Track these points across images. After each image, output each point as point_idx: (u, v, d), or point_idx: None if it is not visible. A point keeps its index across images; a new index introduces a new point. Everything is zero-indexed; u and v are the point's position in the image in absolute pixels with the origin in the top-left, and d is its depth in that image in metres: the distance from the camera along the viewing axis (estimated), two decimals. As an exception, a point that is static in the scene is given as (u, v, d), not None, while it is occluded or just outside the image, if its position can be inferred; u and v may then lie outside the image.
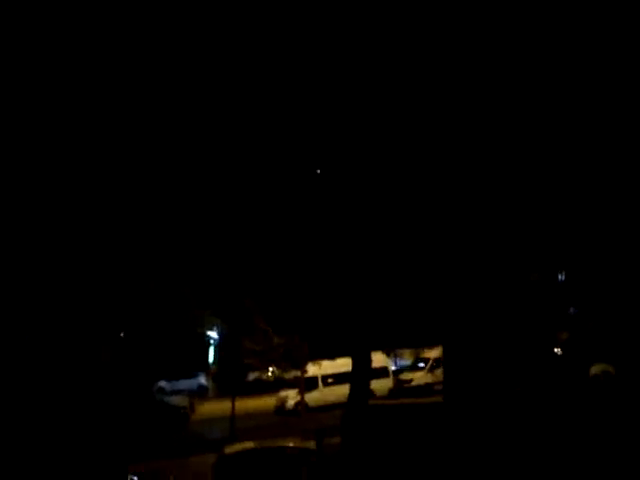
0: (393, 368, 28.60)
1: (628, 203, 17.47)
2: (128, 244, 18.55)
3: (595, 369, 23.80)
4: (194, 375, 32.10)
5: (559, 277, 24.05)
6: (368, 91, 14.21)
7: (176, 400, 26.89)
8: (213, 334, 33.22)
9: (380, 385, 24.85)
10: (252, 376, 30.20)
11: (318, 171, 17.30)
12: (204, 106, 15.94)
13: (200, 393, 30.99)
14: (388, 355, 28.24)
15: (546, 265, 21.70)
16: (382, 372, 25.66)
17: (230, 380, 24.42)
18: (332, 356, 25.35)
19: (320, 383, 26.36)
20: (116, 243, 18.32)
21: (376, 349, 22.03)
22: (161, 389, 30.25)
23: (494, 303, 11.67)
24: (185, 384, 31.25)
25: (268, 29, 14.10)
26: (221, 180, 17.56)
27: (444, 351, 12.31)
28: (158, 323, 22.20)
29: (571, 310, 21.88)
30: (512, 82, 14.08)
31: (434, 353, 25.57)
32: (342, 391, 20.63)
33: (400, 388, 26.62)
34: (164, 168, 17.11)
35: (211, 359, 35.18)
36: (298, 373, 25.54)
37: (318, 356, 25.23)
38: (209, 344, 34.41)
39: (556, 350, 24.81)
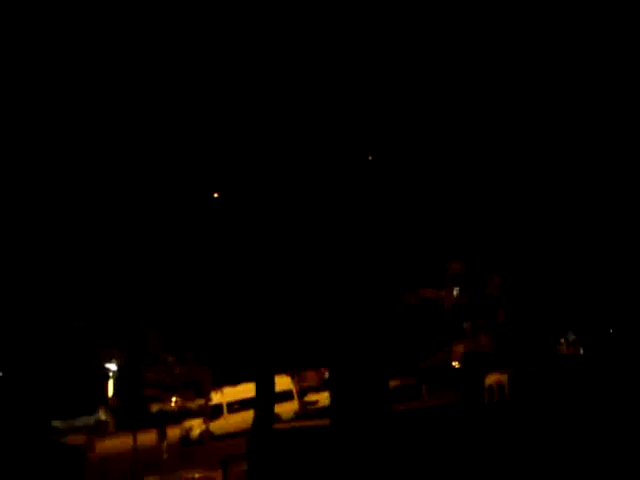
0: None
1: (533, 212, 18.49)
2: (8, 265, 17.40)
3: (489, 379, 25.04)
4: (92, 411, 30.63)
5: (454, 293, 25.16)
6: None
7: (73, 439, 25.47)
8: (111, 366, 31.86)
9: (286, 408, 24.85)
10: (155, 407, 29.23)
11: (215, 195, 17.23)
12: None
13: (99, 429, 29.56)
14: (292, 377, 28.34)
15: (442, 281, 22.67)
16: (287, 395, 25.68)
17: (131, 413, 23.54)
18: (236, 382, 25.10)
19: (225, 410, 25.97)
20: None
21: (279, 372, 22.06)
22: (55, 429, 28.54)
23: (380, 321, 12.06)
24: (82, 421, 29.72)
25: None
26: (122, 207, 17.04)
27: (330, 372, 12.54)
28: (49, 357, 20.94)
29: (465, 325, 23.00)
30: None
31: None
32: (248, 417, 20.43)
33: (306, 410, 26.73)
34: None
35: (110, 392, 33.69)
36: (202, 401, 25.05)
37: (222, 383, 24.89)
38: (107, 377, 32.93)
39: (453, 363, 25.90)
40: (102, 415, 31.21)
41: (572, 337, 29.29)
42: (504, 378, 25.01)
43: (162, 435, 23.26)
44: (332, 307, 11.91)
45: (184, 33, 13.86)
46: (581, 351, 29.16)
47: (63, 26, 13.73)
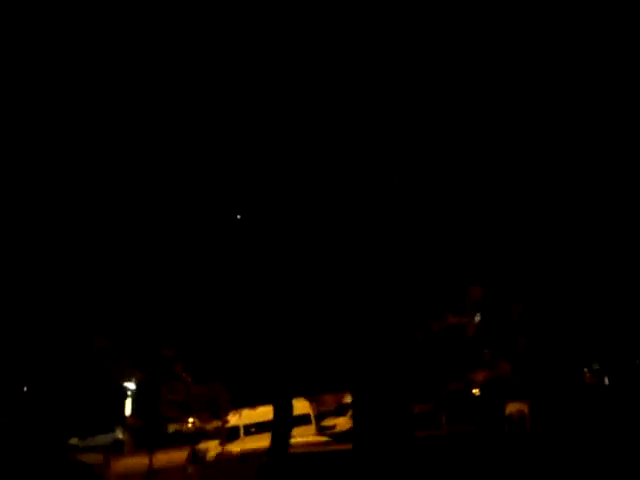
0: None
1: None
2: (30, 283, 17.56)
3: (510, 408, 24.55)
4: (109, 429, 30.66)
5: (475, 319, 24.81)
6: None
7: (89, 458, 25.48)
8: (130, 385, 31.94)
9: (302, 432, 24.62)
10: (172, 428, 29.17)
11: (238, 217, 17.31)
12: None
13: (116, 448, 29.57)
14: (310, 401, 28.11)
15: (463, 308, 22.41)
16: (304, 419, 25.46)
17: (148, 433, 23.51)
18: (253, 404, 24.97)
19: (242, 432, 25.82)
20: (15, 282, 17.32)
21: (297, 396, 21.90)
22: (73, 447, 28.60)
23: (404, 347, 11.94)
24: (100, 440, 29.74)
25: None
26: (136, 223, 17.18)
27: (353, 397, 12.41)
28: (68, 375, 21.05)
29: (486, 352, 22.63)
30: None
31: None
32: (265, 440, 20.28)
33: (323, 435, 26.45)
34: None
35: (128, 411, 33.72)
36: (219, 423, 24.94)
37: (239, 405, 24.78)
38: (126, 396, 33.01)
39: (473, 391, 25.46)
40: (119, 434, 31.23)
41: (596, 367, 28.68)
42: (525, 407, 24.54)
43: (193, 457, 23.11)
44: (355, 331, 11.84)
45: (198, 51, 14.05)
46: (606, 381, 28.52)
47: (64, 26, 13.90)
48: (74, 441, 28.98)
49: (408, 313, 12.95)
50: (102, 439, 29.99)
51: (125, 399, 33.18)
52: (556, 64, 14.19)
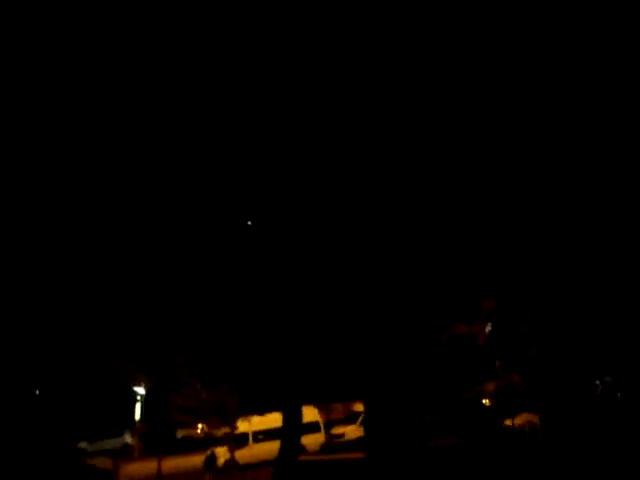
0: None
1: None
2: (44, 288, 17.67)
3: (519, 419, 24.39)
4: (119, 434, 30.73)
5: (486, 329, 24.73)
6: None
7: (98, 462, 25.54)
8: (139, 390, 32.01)
9: (312, 440, 24.56)
10: (181, 433, 29.16)
11: (249, 223, 17.39)
12: None
13: (125, 453, 29.59)
14: (319, 409, 28.04)
15: (475, 317, 22.34)
16: (313, 427, 25.40)
17: (158, 438, 23.52)
18: (262, 411, 24.94)
19: (251, 439, 25.79)
20: (28, 286, 17.44)
21: (307, 403, 21.87)
22: (82, 450, 28.68)
23: (415, 357, 11.93)
24: (109, 444, 29.82)
25: None
26: (149, 232, 17.29)
27: (365, 406, 12.41)
28: (79, 379, 21.18)
29: (496, 362, 22.54)
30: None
31: (366, 406, 25.59)
32: (273, 447, 20.24)
33: (332, 443, 26.36)
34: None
35: (137, 416, 33.78)
36: (228, 429, 24.91)
37: (248, 411, 24.76)
38: (135, 400, 33.06)
39: (484, 401, 25.33)
40: (128, 439, 31.27)
41: (608, 379, 28.40)
42: (535, 418, 24.36)
43: (209, 463, 22.97)
44: (367, 340, 11.84)
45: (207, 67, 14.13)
46: (618, 395, 28.22)
47: (64, 27, 13.96)
48: (83, 445, 29.08)
49: (419, 322, 12.95)
50: (111, 443, 30.05)
51: (135, 404, 33.25)
52: (556, 64, 14.14)
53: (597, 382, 28.32)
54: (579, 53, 14.11)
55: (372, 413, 11.44)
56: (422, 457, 10.93)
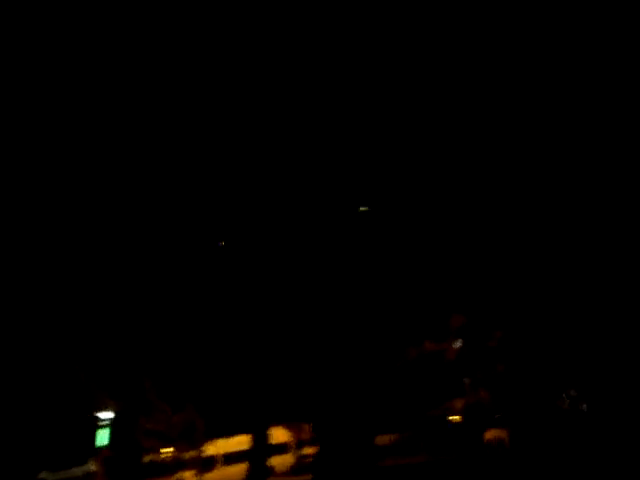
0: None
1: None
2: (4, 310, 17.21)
3: (489, 435, 24.48)
4: (82, 462, 29.74)
5: (455, 346, 24.86)
6: None
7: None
8: (105, 415, 31.14)
9: (280, 461, 24.24)
10: (147, 458, 28.44)
11: (222, 243, 17.28)
12: None
13: (88, 481, 28.67)
14: (289, 429, 27.73)
15: (444, 335, 22.44)
16: (282, 448, 25.09)
17: (123, 465, 22.91)
18: (231, 433, 24.59)
19: (219, 462, 25.36)
20: None
21: (276, 424, 21.63)
22: (42, 480, 27.73)
23: (373, 375, 11.90)
24: (72, 473, 28.84)
25: None
26: (114, 253, 17.01)
27: (313, 429, 12.32)
28: (40, 404, 20.55)
29: (465, 379, 22.65)
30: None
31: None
32: (242, 469, 19.96)
33: (302, 463, 26.05)
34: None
35: (103, 443, 32.82)
36: (195, 453, 24.49)
37: (216, 434, 24.39)
38: (100, 426, 32.15)
39: (453, 417, 25.36)
40: (93, 466, 30.30)
41: (573, 393, 28.76)
42: (504, 434, 24.48)
43: None
44: (322, 362, 11.77)
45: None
46: (584, 407, 28.59)
47: (64, 27, 13.82)
48: (44, 475, 28.11)
49: (384, 341, 12.93)
50: (74, 472, 29.07)
51: (100, 430, 32.32)
52: (556, 64, 14.29)
53: (563, 396, 28.68)
54: (579, 53, 14.25)
55: (320, 436, 11.33)
56: (374, 477, 10.84)
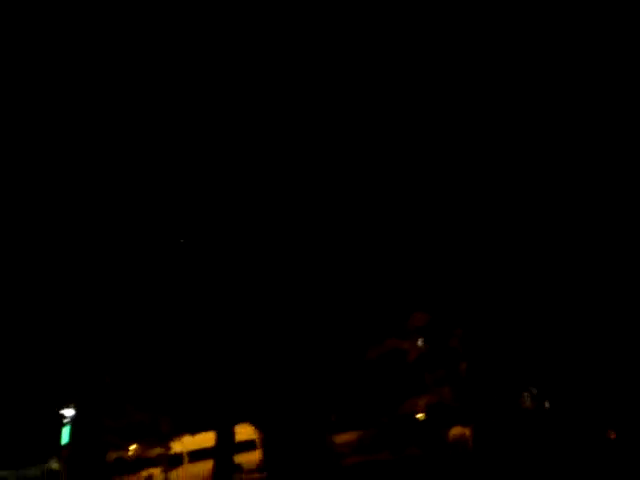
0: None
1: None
2: None
3: (452, 432, 24.88)
4: (43, 460, 29.30)
5: (417, 344, 25.16)
6: None
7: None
8: (67, 412, 30.69)
9: (248, 458, 24.30)
10: (113, 455, 28.18)
11: (182, 240, 17.22)
12: None
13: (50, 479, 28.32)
14: (255, 427, 27.80)
15: (405, 333, 22.69)
16: (250, 445, 25.14)
17: (87, 462, 22.64)
18: (197, 430, 24.55)
19: (186, 459, 25.31)
20: None
21: (243, 421, 21.68)
22: (2, 479, 27.27)
23: (325, 376, 12.04)
24: (32, 471, 28.43)
25: None
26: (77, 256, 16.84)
27: (261, 430, 12.41)
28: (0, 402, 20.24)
29: (427, 377, 22.98)
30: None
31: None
32: (208, 467, 19.95)
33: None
34: None
35: (65, 440, 32.33)
36: (162, 450, 24.39)
37: (182, 431, 24.32)
38: (62, 423, 31.66)
39: (417, 415, 25.70)
40: (54, 464, 29.87)
41: (534, 390, 29.34)
42: (467, 431, 24.91)
43: None
44: (276, 361, 11.84)
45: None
46: (547, 405, 29.18)
47: (64, 27, 13.67)
48: (4, 473, 27.67)
49: (344, 339, 13.05)
50: (35, 470, 28.66)
51: (61, 427, 31.83)
52: (556, 64, 14.45)
53: (525, 394, 29.24)
54: (579, 53, 14.39)
55: (269, 439, 11.42)
56: (335, 476, 10.97)
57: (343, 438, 24.53)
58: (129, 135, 14.67)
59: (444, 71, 14.20)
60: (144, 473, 25.22)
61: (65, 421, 31.01)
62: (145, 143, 14.81)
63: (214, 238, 15.60)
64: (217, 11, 13.70)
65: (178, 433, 24.23)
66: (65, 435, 31.96)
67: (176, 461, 24.92)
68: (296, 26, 13.62)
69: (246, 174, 14.70)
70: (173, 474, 24.38)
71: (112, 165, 15.02)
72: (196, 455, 25.01)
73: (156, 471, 24.80)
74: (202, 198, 15.40)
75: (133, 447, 28.15)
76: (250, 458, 24.95)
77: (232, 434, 17.53)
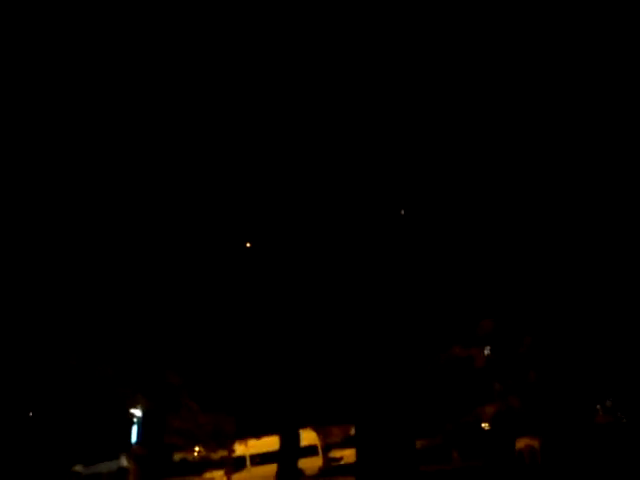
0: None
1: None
2: (37, 307, 17.45)
3: (520, 443, 24.11)
4: (115, 457, 30.21)
5: (484, 352, 24.57)
6: None
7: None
8: (136, 412, 31.54)
9: (309, 464, 24.30)
10: (177, 456, 28.75)
11: (248, 245, 17.34)
12: None
13: (121, 476, 29.11)
14: (317, 433, 27.75)
15: (473, 340, 22.19)
16: (311, 450, 25.14)
17: (154, 461, 23.17)
18: (260, 434, 24.70)
19: (248, 462, 25.52)
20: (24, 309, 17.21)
21: (305, 426, 21.68)
22: (76, 474, 28.25)
23: (410, 379, 11.81)
24: (104, 467, 29.33)
25: None
26: (144, 255, 17.15)
27: (356, 430, 12.27)
28: (73, 401, 20.92)
29: (495, 385, 22.34)
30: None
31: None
32: (271, 470, 20.04)
33: (330, 466, 26.09)
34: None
35: (134, 439, 33.24)
36: (225, 453, 24.66)
37: (246, 434, 24.52)
38: (132, 423, 32.58)
39: (483, 425, 25.06)
40: (124, 462, 30.74)
41: (609, 403, 28.10)
42: (535, 443, 24.07)
43: None
44: (360, 363, 11.72)
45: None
46: (621, 417, 27.89)
47: (64, 26, 13.94)
48: (78, 468, 28.64)
49: (415, 344, 12.82)
50: (107, 466, 29.57)
51: (131, 426, 32.74)
52: (556, 64, 14.10)
53: (598, 407, 28.04)
54: (579, 53, 14.03)
55: (363, 438, 11.28)
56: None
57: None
58: (140, 135, 14.76)
59: (444, 71, 13.87)
60: (207, 475, 25.54)
61: (135, 420, 31.92)
62: (154, 143, 14.88)
63: (281, 240, 15.64)
64: (217, 11, 13.72)
65: (242, 436, 24.44)
66: (134, 434, 32.89)
67: (239, 464, 25.14)
68: (296, 26, 13.52)
69: (262, 175, 14.62)
70: (235, 477, 24.56)
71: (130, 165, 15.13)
72: (258, 459, 25.19)
73: (219, 474, 25.07)
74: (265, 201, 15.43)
75: (197, 449, 28.70)
76: (312, 464, 24.98)
77: (297, 438, 17.54)
